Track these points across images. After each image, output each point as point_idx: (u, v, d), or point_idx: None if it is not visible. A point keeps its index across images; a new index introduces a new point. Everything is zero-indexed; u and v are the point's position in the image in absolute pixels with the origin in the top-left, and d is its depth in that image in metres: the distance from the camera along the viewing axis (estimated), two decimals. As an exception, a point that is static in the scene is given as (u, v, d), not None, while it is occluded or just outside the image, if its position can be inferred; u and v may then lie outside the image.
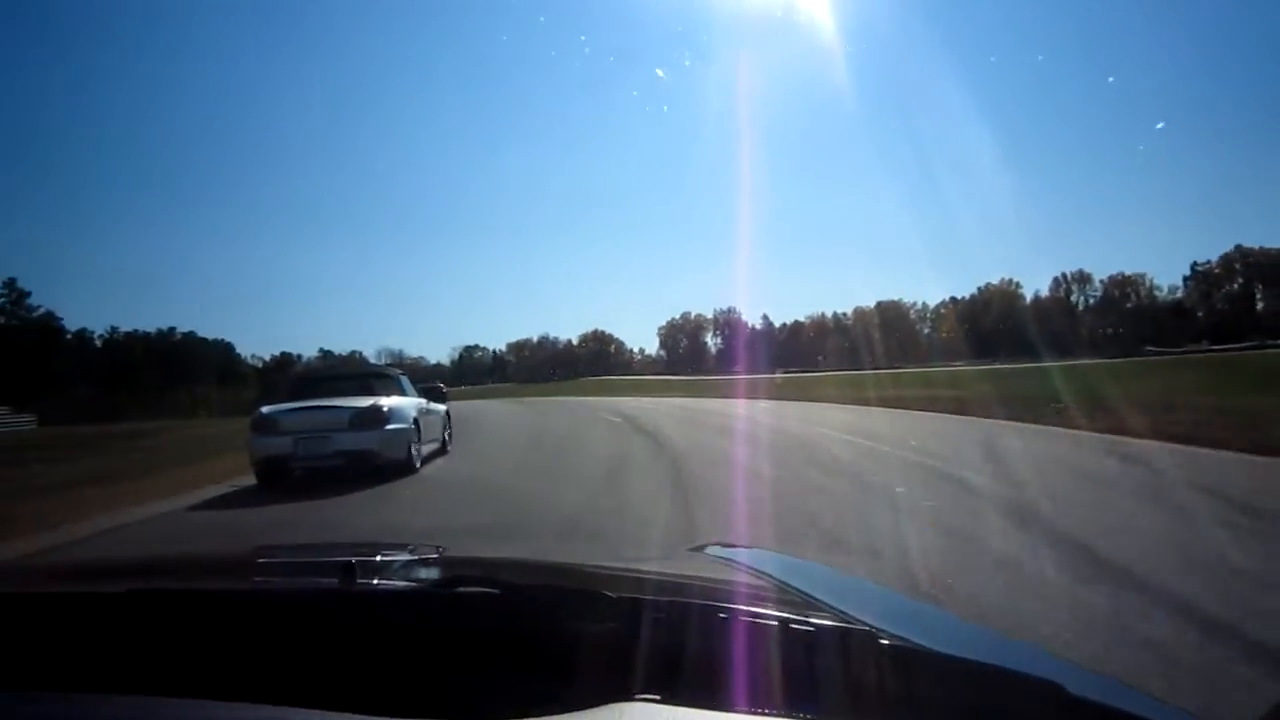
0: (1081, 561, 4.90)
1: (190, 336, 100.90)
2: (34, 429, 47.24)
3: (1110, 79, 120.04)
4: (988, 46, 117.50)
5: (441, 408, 13.93)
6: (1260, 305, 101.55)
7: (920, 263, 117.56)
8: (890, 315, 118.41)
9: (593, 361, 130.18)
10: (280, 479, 10.55)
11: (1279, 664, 3.16)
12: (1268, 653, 3.25)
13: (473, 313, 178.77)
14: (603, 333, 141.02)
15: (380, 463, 10.48)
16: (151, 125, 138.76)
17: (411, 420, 11.29)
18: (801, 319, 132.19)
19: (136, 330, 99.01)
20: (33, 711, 0.97)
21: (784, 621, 0.98)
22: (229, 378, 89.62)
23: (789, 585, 1.44)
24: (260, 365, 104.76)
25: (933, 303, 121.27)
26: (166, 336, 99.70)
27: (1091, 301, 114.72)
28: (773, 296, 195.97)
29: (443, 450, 13.57)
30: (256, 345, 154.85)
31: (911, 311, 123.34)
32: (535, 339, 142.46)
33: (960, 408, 17.49)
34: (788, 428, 16.34)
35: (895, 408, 19.86)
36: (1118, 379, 22.94)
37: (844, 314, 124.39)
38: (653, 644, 0.97)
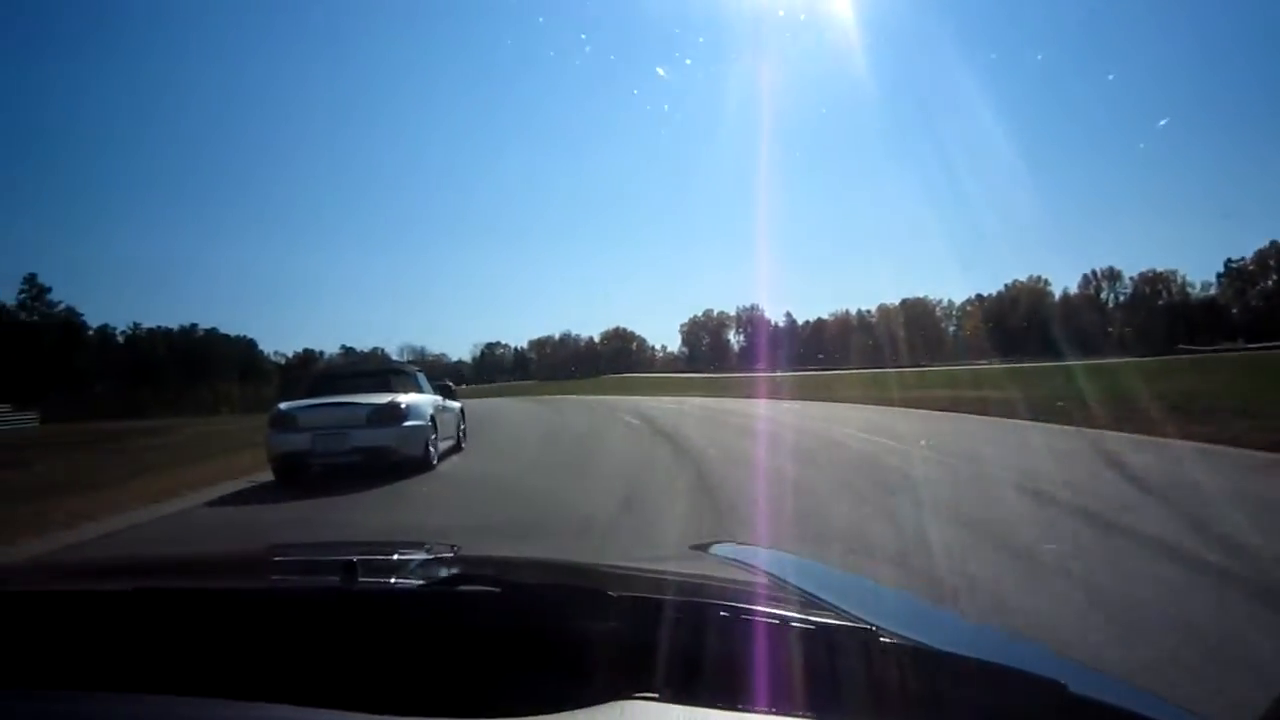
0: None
1: (212, 333, 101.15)
2: (34, 427, 46.21)
3: (1111, 76, 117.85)
4: (1014, 41, 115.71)
5: (457, 405, 13.96)
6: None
7: (945, 260, 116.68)
8: (915, 313, 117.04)
9: (614, 359, 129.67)
10: (297, 475, 10.56)
11: None
12: None
13: (495, 310, 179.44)
14: (624, 330, 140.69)
15: (398, 459, 10.48)
16: (175, 125, 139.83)
17: (428, 417, 11.35)
18: (825, 316, 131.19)
19: (159, 327, 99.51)
20: (37, 710, 0.98)
21: (786, 620, 0.98)
22: (251, 374, 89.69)
23: (791, 584, 1.44)
24: (283, 362, 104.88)
25: (959, 300, 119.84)
26: (189, 333, 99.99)
27: (1121, 299, 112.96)
28: (796, 294, 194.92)
29: (457, 447, 13.50)
30: (279, 342, 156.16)
31: (937, 309, 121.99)
32: (557, 336, 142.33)
33: (1010, 410, 15.94)
34: (819, 430, 15.08)
35: (924, 408, 18.66)
36: (1157, 378, 21.85)
37: (868, 311, 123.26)
38: (654, 643, 0.97)
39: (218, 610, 1.14)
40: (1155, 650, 3.39)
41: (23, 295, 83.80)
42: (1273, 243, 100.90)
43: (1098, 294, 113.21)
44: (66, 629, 1.12)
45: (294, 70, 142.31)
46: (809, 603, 1.25)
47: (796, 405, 24.49)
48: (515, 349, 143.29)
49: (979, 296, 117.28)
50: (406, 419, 10.78)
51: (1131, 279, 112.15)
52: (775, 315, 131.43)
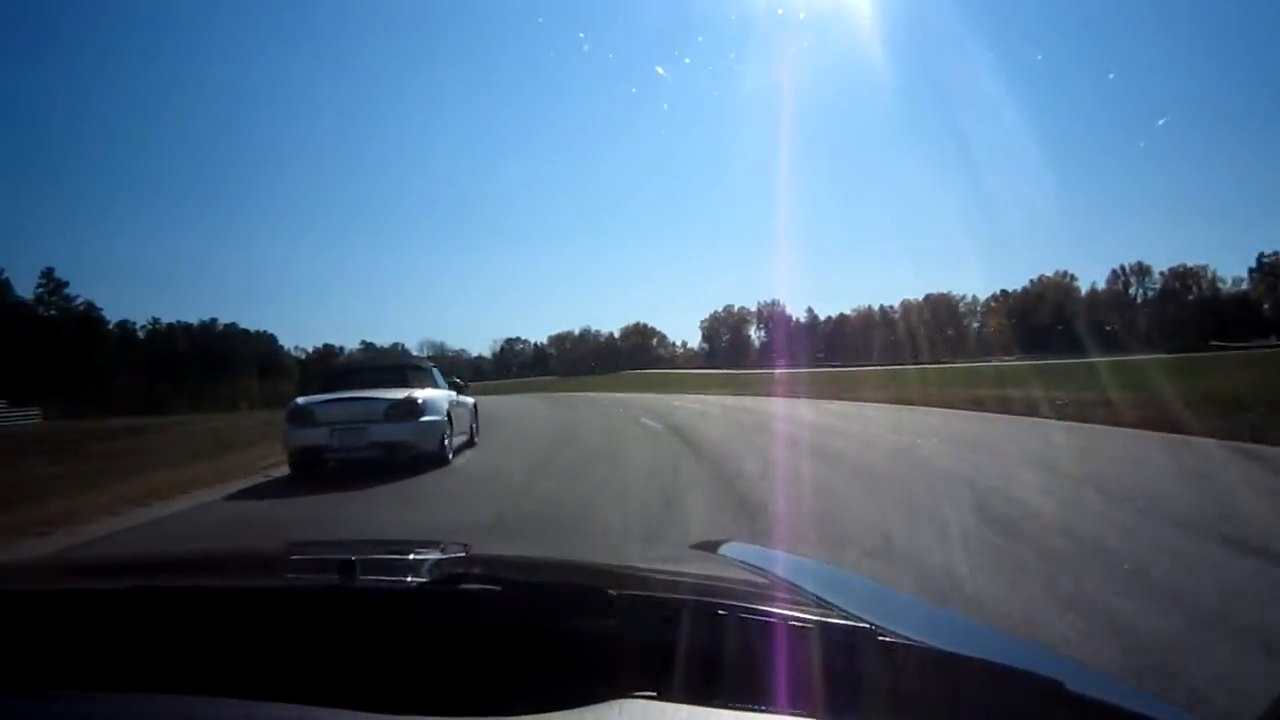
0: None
1: (232, 328, 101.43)
2: (33, 424, 44.10)
3: (1141, 69, 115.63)
4: (1038, 33, 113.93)
5: (470, 400, 13.98)
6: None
7: (970, 256, 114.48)
8: (939, 308, 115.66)
9: (634, 355, 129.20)
10: (314, 470, 10.57)
11: None
12: None
13: (514, 305, 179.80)
14: (644, 326, 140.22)
15: (415, 454, 10.47)
16: (196, 124, 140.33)
17: (444, 412, 11.30)
18: (847, 312, 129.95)
19: (178, 322, 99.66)
20: (37, 710, 0.98)
21: (786, 619, 0.98)
22: (271, 370, 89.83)
23: (790, 582, 1.44)
24: (303, 357, 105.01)
25: (983, 295, 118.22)
26: (209, 328, 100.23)
27: (1150, 295, 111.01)
28: (818, 289, 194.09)
29: (471, 443, 13.39)
30: (300, 337, 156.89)
31: (961, 304, 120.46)
32: (577, 332, 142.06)
33: (1057, 411, 14.62)
34: (867, 436, 13.39)
35: (969, 409, 17.24)
36: (1199, 374, 20.67)
37: (891, 307, 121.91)
38: (654, 642, 0.98)
39: (216, 609, 1.13)
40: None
41: (40, 289, 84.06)
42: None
43: (1126, 289, 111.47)
44: (64, 628, 1.11)
45: (314, 70, 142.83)
46: (810, 602, 1.23)
47: (833, 406, 21.87)
48: (535, 344, 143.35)
49: (1003, 292, 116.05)
50: (424, 414, 10.75)
51: (1161, 274, 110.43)
52: (796, 311, 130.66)
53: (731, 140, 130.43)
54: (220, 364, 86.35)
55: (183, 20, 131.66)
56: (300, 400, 11.35)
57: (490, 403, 14.21)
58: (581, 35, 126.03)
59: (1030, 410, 15.41)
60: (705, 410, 22.57)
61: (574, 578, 1.38)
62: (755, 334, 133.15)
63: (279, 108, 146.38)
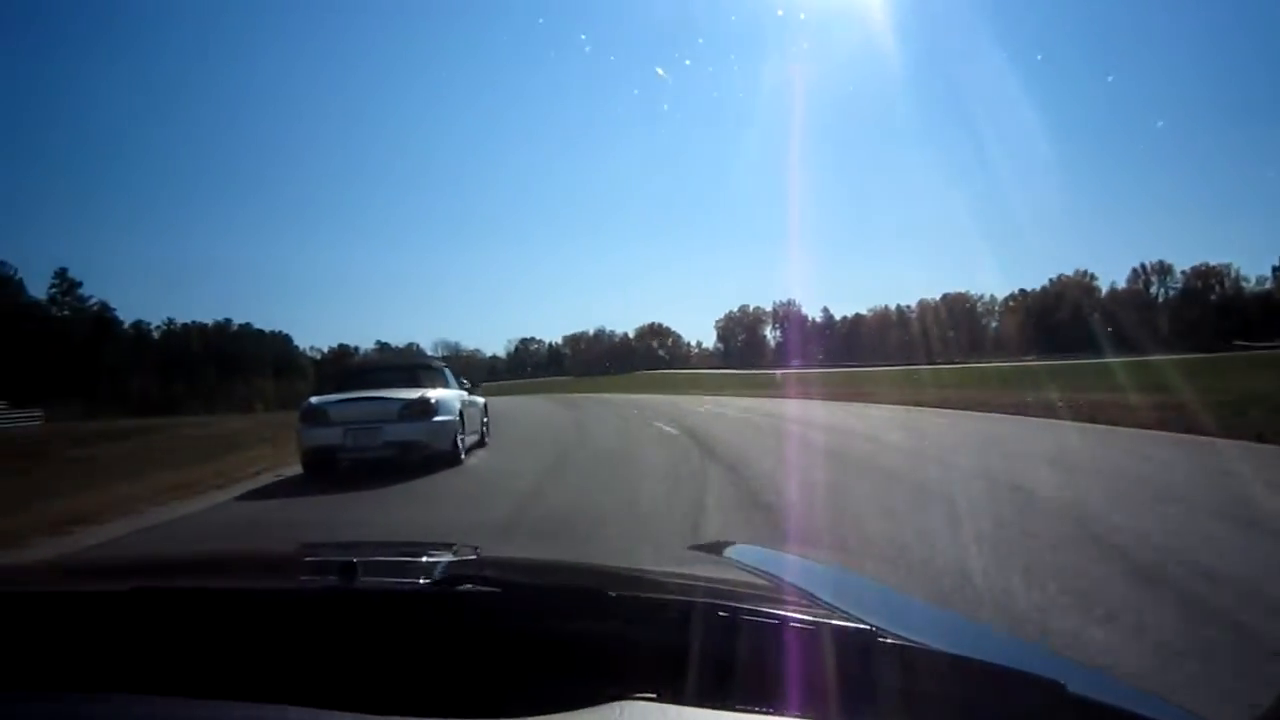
0: None
1: (246, 328, 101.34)
2: (34, 426, 42.86)
3: (1138, 70, 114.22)
4: (1054, 32, 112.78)
5: (481, 400, 14.03)
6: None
7: (987, 255, 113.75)
8: (956, 308, 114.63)
9: (649, 355, 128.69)
10: (327, 470, 10.55)
11: None
12: None
13: (529, 306, 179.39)
14: (659, 326, 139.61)
15: (429, 454, 10.51)
16: (211, 123, 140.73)
17: (457, 412, 11.32)
18: (863, 312, 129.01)
19: (193, 322, 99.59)
20: (38, 711, 0.98)
21: (786, 620, 0.98)
22: (286, 370, 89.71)
23: (791, 584, 1.45)
24: (318, 357, 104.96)
25: (1001, 295, 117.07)
26: (223, 328, 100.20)
27: (1171, 294, 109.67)
28: (833, 289, 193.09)
29: (481, 443, 13.43)
30: (315, 337, 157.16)
31: (978, 304, 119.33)
32: (591, 332, 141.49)
33: (1112, 418, 13.51)
34: (912, 447, 11.74)
35: (1007, 413, 16.25)
36: (1231, 375, 19.87)
37: (908, 307, 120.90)
38: (653, 643, 0.99)
39: (218, 610, 1.12)
40: None
41: (54, 290, 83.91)
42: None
43: (1147, 289, 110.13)
44: (66, 630, 1.11)
45: (331, 70, 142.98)
46: (809, 603, 1.24)
47: (868, 410, 20.21)
48: (549, 344, 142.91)
49: (1022, 291, 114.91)
50: (437, 414, 10.78)
51: (1183, 273, 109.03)
52: (812, 311, 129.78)
53: (746, 140, 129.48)
54: (235, 364, 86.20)
55: (196, 20, 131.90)
56: (314, 400, 11.34)
57: (496, 405, 13.70)
58: (583, 36, 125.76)
59: (1089, 415, 14.16)
60: (725, 413, 21.30)
61: (574, 580, 1.40)
62: (770, 334, 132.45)
63: (295, 108, 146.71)
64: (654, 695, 0.91)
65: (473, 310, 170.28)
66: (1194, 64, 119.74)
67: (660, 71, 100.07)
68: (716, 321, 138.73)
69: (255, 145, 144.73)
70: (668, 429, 16.40)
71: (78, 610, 1.15)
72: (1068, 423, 13.70)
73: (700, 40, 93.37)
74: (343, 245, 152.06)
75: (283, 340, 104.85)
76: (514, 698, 0.91)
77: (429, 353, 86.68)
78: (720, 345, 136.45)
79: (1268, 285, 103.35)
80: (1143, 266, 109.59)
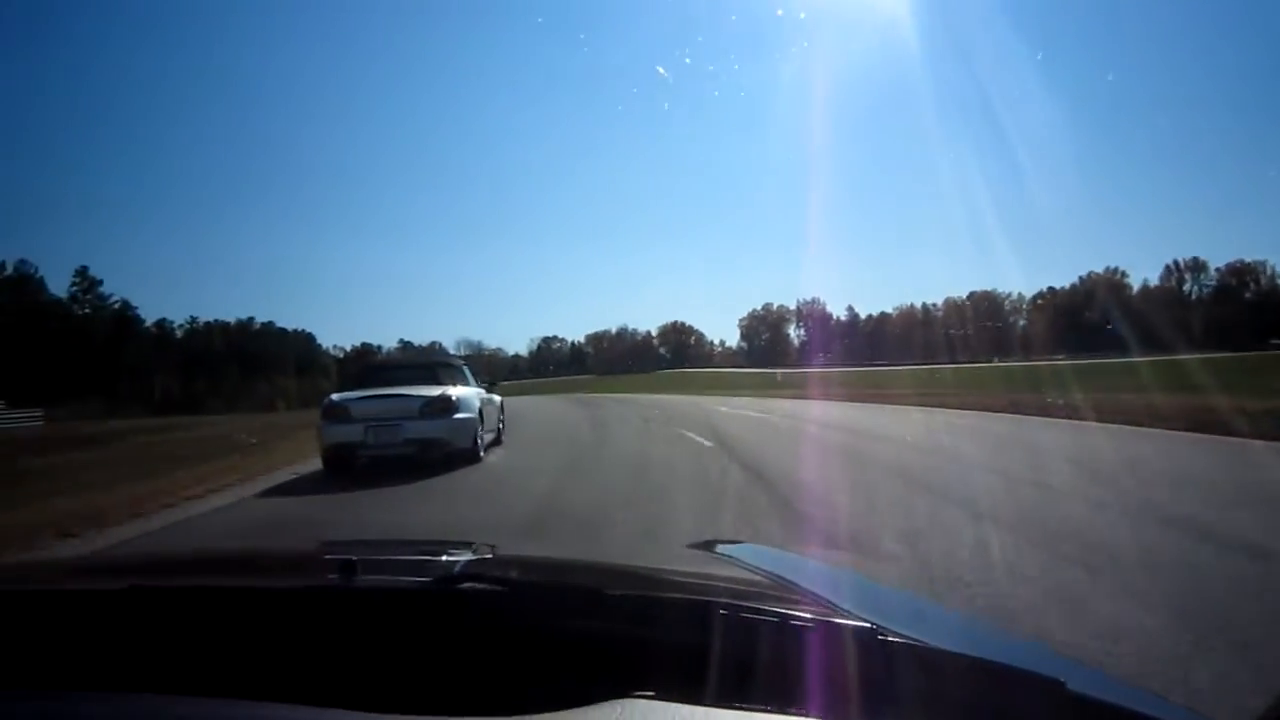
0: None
1: (269, 327, 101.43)
2: (35, 427, 41.35)
3: (1171, 66, 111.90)
4: (1088, 26, 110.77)
5: (498, 398, 14.00)
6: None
7: (1015, 253, 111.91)
8: (983, 306, 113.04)
9: (672, 354, 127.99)
10: (348, 467, 10.48)
11: None
12: None
13: (552, 304, 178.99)
14: (682, 324, 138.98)
15: (450, 451, 10.49)
16: (235, 122, 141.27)
17: (477, 410, 11.27)
18: (889, 310, 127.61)
19: (216, 320, 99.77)
20: (37, 710, 0.98)
21: (786, 618, 0.98)
22: (309, 368, 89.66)
23: (790, 581, 1.44)
24: (341, 356, 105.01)
25: (1029, 293, 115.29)
26: (246, 327, 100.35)
27: (1205, 291, 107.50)
28: (859, 288, 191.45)
29: (498, 440, 13.37)
30: (338, 336, 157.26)
31: (1006, 302, 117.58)
32: (614, 330, 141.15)
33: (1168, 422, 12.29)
34: (1019, 472, 8.40)
35: (1077, 419, 14.36)
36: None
37: (934, 305, 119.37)
38: (654, 641, 0.99)
39: (215, 609, 1.12)
40: None
41: (74, 288, 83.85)
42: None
43: (1180, 286, 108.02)
44: (64, 628, 1.11)
45: (357, 71, 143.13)
46: (810, 601, 1.24)
47: (914, 414, 17.86)
48: (572, 343, 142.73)
49: (1051, 289, 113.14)
50: (458, 411, 10.72)
51: (1217, 270, 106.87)
52: (837, 309, 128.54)
53: (770, 138, 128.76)
54: (258, 363, 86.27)
55: (220, 20, 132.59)
56: (335, 396, 11.18)
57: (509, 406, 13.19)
58: (582, 36, 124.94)
59: (1147, 419, 12.86)
60: (769, 420, 18.72)
61: (574, 578, 1.39)
62: (795, 333, 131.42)
63: (323, 109, 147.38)
64: (653, 693, 0.90)
65: (496, 309, 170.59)
66: (1227, 58, 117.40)
67: (687, 60, 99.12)
68: (740, 320, 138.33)
69: (279, 145, 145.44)
70: (705, 442, 13.07)
71: (75, 609, 1.14)
72: (1159, 431, 12.08)
73: (728, 40, 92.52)
74: (367, 245, 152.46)
75: (306, 339, 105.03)
76: (514, 696, 0.91)
77: (451, 351, 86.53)
78: (743, 344, 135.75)
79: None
80: (1175, 263, 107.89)
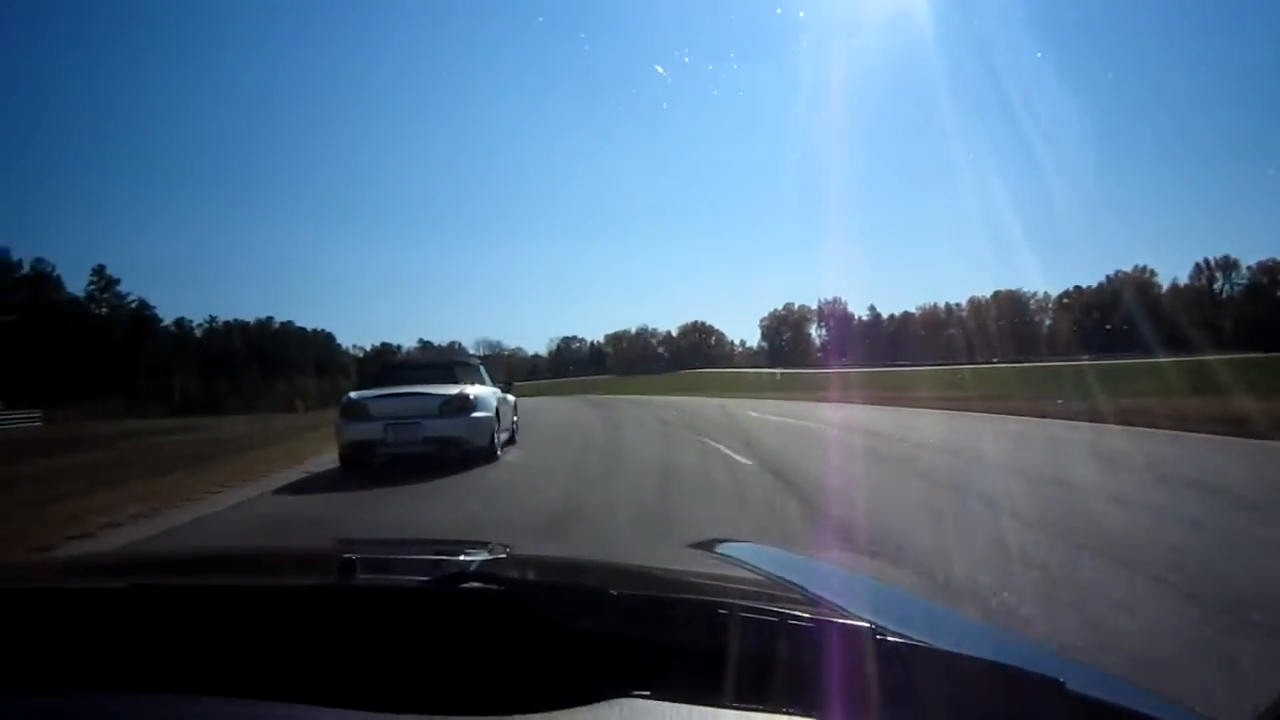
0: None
1: (289, 326, 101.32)
2: (32, 428, 40.28)
3: (1198, 63, 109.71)
4: (1118, 20, 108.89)
5: (512, 398, 14.04)
6: None
7: (1039, 252, 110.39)
8: (1007, 306, 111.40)
9: (692, 354, 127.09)
10: (365, 465, 10.54)
11: None
12: None
13: (571, 304, 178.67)
14: (702, 324, 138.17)
15: (467, 449, 10.56)
16: (253, 121, 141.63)
17: (494, 409, 11.33)
18: (911, 310, 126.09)
19: (235, 320, 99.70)
20: (37, 710, 0.98)
21: (786, 618, 0.98)
22: (328, 368, 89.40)
23: (790, 581, 1.44)
24: (360, 355, 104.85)
25: (1055, 292, 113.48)
26: (265, 326, 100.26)
27: (1236, 290, 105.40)
28: (881, 287, 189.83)
29: (512, 439, 13.46)
30: (358, 336, 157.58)
31: (1031, 302, 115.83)
32: (634, 330, 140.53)
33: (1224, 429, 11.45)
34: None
35: (1127, 424, 13.25)
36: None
37: (958, 305, 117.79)
38: (654, 641, 0.99)
39: (216, 607, 1.12)
40: None
41: (91, 287, 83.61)
42: None
43: (1210, 285, 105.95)
44: (64, 627, 1.11)
45: (380, 72, 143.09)
46: (809, 600, 1.24)
47: (958, 423, 16.09)
48: (591, 343, 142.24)
49: (1077, 288, 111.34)
50: (476, 410, 10.79)
51: (1249, 269, 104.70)
52: (859, 309, 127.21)
53: (791, 137, 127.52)
54: (277, 362, 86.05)
55: (239, 21, 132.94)
56: (354, 395, 11.21)
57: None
58: (583, 36, 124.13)
59: (1202, 426, 12.02)
60: (820, 430, 16.06)
61: (574, 577, 1.39)
62: (816, 333, 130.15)
63: (342, 109, 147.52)
64: (653, 693, 0.90)
65: (515, 309, 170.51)
66: (1256, 55, 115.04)
67: (710, 66, 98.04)
68: (761, 320, 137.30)
69: (299, 146, 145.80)
70: (744, 461, 10.53)
71: (76, 607, 1.14)
72: (1212, 438, 11.21)
73: (749, 39, 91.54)
74: (387, 245, 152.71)
75: (325, 338, 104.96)
76: (513, 695, 0.91)
77: (470, 351, 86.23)
78: (764, 344, 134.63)
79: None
80: (1206, 262, 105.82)
